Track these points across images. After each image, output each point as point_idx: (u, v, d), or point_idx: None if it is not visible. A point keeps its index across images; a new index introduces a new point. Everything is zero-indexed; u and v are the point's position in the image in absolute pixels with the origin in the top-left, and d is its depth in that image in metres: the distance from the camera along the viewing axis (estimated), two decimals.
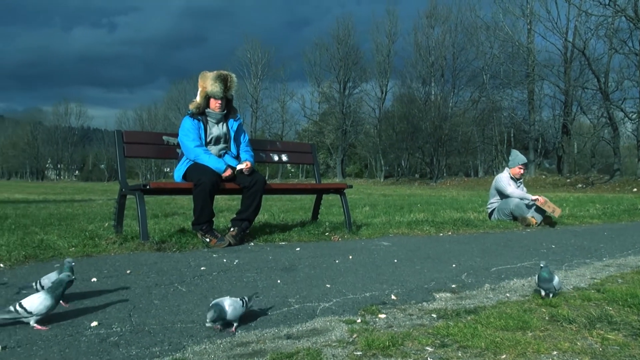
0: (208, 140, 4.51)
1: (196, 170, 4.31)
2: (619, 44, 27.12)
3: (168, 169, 78.22)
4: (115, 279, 2.95)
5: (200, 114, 4.50)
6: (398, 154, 45.23)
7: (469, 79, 41.89)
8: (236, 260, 3.61)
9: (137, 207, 4.14)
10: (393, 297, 2.66)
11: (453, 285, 2.96)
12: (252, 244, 4.49)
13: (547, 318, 2.30)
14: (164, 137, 4.70)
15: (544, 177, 31.89)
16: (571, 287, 3.00)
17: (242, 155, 4.65)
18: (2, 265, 3.29)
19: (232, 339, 2.00)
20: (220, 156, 4.52)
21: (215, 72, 4.51)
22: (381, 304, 2.52)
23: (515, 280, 3.16)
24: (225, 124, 4.60)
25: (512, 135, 40.05)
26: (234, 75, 4.58)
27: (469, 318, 2.27)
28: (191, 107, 4.49)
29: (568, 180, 28.15)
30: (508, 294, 2.77)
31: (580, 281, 3.18)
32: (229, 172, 4.38)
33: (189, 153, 4.40)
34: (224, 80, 4.47)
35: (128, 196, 4.51)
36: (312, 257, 3.82)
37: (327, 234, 5.05)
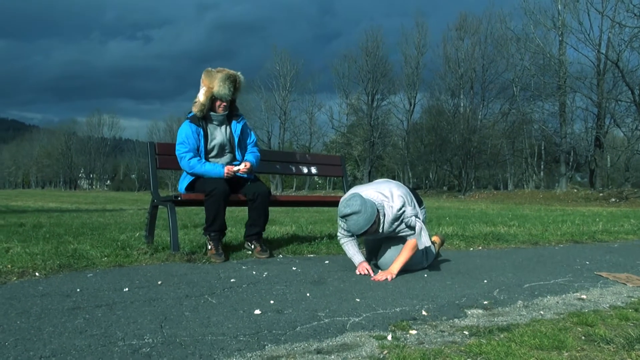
0: (210, 147, 4.28)
1: (207, 179, 4.18)
2: None
3: None
4: (147, 290, 2.98)
5: (202, 117, 4.22)
6: (426, 166, 44.89)
7: (499, 91, 41.39)
8: (265, 273, 3.61)
9: (169, 218, 4.18)
10: (424, 312, 2.63)
11: (485, 302, 2.91)
12: (281, 256, 4.49)
13: (583, 338, 2.24)
14: None
15: (575, 191, 31.26)
16: (607, 305, 2.92)
17: (247, 157, 4.43)
18: (37, 274, 3.36)
19: (262, 352, 1.99)
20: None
21: (223, 71, 4.17)
22: (412, 319, 2.49)
23: (548, 297, 3.09)
24: (228, 127, 4.35)
25: (542, 148, 39.42)
26: (242, 76, 4.26)
27: (502, 336, 2.23)
28: (195, 109, 4.18)
29: (601, 195, 27.54)
30: (542, 312, 2.71)
31: (616, 299, 3.09)
32: (228, 169, 4.17)
33: (183, 165, 4.20)
34: (233, 82, 4.17)
35: (159, 207, 4.57)
36: (341, 271, 3.80)
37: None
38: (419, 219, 3.62)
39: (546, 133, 38.06)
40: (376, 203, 3.50)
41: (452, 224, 8.08)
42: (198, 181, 4.26)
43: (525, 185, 39.45)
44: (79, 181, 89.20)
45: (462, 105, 42.75)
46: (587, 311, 2.72)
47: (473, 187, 40.15)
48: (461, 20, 43.67)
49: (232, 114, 4.36)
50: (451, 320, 2.50)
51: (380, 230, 3.57)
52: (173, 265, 3.82)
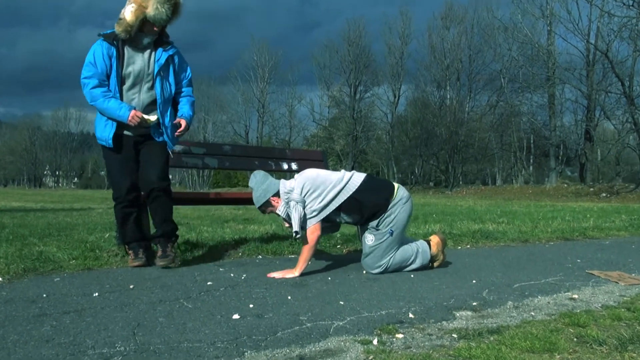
0: (126, 73, 3.68)
1: (112, 167, 3.75)
2: None
3: (170, 176, 78.60)
4: (118, 294, 2.95)
5: (124, 40, 3.63)
6: (411, 160, 45.17)
7: (486, 83, 41.80)
8: (244, 275, 3.60)
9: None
10: (411, 315, 2.64)
11: (474, 303, 2.93)
12: (260, 257, 4.48)
13: (575, 339, 2.26)
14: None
15: (565, 185, 31.70)
16: (599, 305, 2.96)
17: (181, 107, 3.89)
18: (0, 279, 3.30)
19: (241, 359, 1.98)
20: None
21: None
22: (398, 322, 2.50)
23: (539, 297, 3.12)
24: (153, 53, 3.74)
25: (531, 141, 39.87)
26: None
27: (492, 339, 2.24)
28: (118, 29, 3.57)
29: (591, 189, 27.95)
30: (533, 313, 2.74)
31: (608, 299, 3.13)
32: (133, 117, 3.60)
33: (85, 94, 3.64)
34: (173, 4, 3.62)
35: None
36: (324, 272, 3.81)
37: (338, 246, 5.03)
38: (301, 206, 3.61)
39: (535, 126, 38.54)
40: (281, 186, 3.69)
41: (439, 221, 8.13)
42: (107, 166, 3.80)
43: (514, 181, 39.88)
44: (44, 179, 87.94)
45: (448, 97, 43.06)
46: (579, 311, 2.76)
47: (460, 182, 40.50)
48: (447, 8, 44.01)
49: (160, 39, 3.77)
50: (439, 323, 2.51)
51: (280, 213, 3.69)
52: (146, 268, 3.79)
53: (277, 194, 3.69)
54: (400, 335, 2.29)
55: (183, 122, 3.83)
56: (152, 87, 3.75)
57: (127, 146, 3.76)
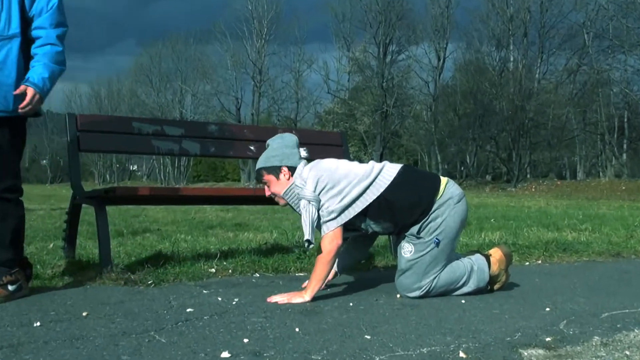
0: None
1: None
2: None
3: (135, 167, 78.97)
4: (67, 324, 2.96)
5: None
6: (461, 146, 44.96)
7: (564, 41, 41.54)
8: (235, 299, 3.61)
9: (97, 223, 4.17)
10: (462, 354, 2.63)
11: (547, 339, 2.91)
12: (257, 275, 4.49)
13: None
14: (134, 124, 4.73)
15: None
16: None
17: (32, 64, 3.37)
18: None
19: None
20: None
21: None
22: None
23: (637, 331, 3.10)
24: None
25: (625, 120, 39.56)
26: None
27: None
28: None
29: None
30: (627, 352, 2.72)
31: None
32: None
33: None
34: None
35: (83, 206, 4.55)
36: (344, 295, 3.81)
37: (363, 262, 5.03)
38: (314, 207, 3.64)
39: (630, 99, 38.22)
40: (297, 161, 3.79)
41: (499, 228, 8.10)
42: None
43: (601, 173, 39.62)
44: None
45: (512, 60, 42.82)
46: None
47: (528, 175, 40.34)
48: None
49: None
50: None
51: (281, 194, 3.76)
52: (104, 289, 3.81)
53: (292, 169, 3.75)
54: None
55: (29, 92, 3.25)
56: None
57: None
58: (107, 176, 71.51)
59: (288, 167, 3.73)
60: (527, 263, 5.47)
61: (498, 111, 40.35)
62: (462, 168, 46.96)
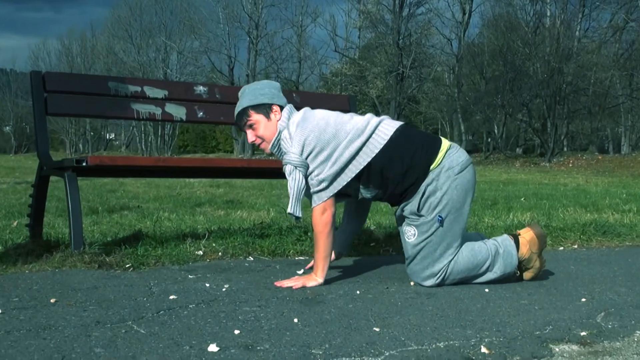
0: None
1: None
2: None
3: (112, 136, 78.85)
4: (32, 312, 2.98)
5: None
6: (488, 114, 44.76)
7: None
8: (226, 285, 3.62)
9: (67, 197, 4.17)
10: (484, 349, 2.64)
11: (583, 333, 2.92)
12: (251, 258, 4.50)
13: None
14: (110, 84, 4.71)
15: None
16: None
17: None
18: None
19: None
20: None
21: None
22: None
23: None
24: None
25: None
26: None
27: None
28: None
29: None
30: None
31: None
32: None
33: None
34: None
35: (51, 178, 4.55)
36: (350, 282, 3.82)
37: (373, 244, 5.03)
38: (301, 172, 3.65)
39: None
40: (286, 103, 3.82)
41: (531, 209, 8.10)
42: None
43: None
44: None
45: (548, 14, 42.55)
46: None
47: (565, 148, 40.25)
48: None
49: None
50: None
51: (265, 138, 3.77)
52: (75, 273, 3.82)
53: (281, 108, 3.77)
54: None
55: None
56: None
57: None
58: (80, 145, 71.27)
59: (277, 103, 3.75)
60: (562, 248, 5.47)
61: (531, 74, 40.10)
62: (489, 140, 46.82)
